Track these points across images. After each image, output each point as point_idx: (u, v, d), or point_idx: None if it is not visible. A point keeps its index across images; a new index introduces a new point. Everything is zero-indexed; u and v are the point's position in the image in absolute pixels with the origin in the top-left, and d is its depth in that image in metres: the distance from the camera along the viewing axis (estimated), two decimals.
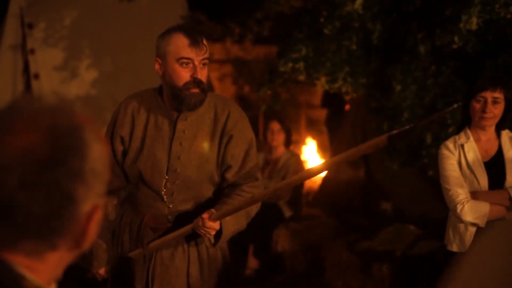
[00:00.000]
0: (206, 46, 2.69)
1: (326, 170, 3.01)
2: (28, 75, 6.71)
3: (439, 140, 4.53)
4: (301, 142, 8.51)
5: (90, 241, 1.09)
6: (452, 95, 4.83)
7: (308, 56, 5.31)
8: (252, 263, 5.68)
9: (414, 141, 5.23)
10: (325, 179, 6.99)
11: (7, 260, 1.02)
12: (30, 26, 6.74)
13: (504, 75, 3.41)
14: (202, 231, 2.64)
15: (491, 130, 3.29)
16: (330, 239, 5.64)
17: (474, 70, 4.54)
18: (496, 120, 3.24)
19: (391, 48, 5.21)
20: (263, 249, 5.69)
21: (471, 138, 3.27)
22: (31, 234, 1.02)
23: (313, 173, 2.69)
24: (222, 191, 2.83)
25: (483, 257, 0.68)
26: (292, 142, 6.27)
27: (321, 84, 5.46)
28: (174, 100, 2.71)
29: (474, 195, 3.19)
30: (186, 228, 2.71)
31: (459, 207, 3.15)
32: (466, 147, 3.25)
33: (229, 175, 2.78)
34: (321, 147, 8.12)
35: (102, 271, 2.88)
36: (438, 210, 4.59)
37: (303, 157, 7.83)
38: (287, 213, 5.90)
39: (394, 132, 2.29)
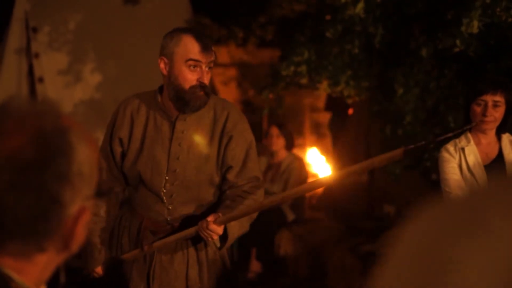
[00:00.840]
0: (214, 52, 2.70)
1: (337, 181, 2.96)
2: (32, 79, 6.72)
3: (442, 143, 4.52)
4: (304, 145, 8.51)
5: (78, 243, 1.09)
6: (454, 98, 4.82)
7: (310, 59, 5.32)
8: (255, 266, 5.68)
9: None
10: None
11: None
12: (35, 30, 6.76)
13: (505, 78, 3.40)
14: (205, 233, 2.63)
15: (492, 134, 3.28)
16: (333, 243, 5.63)
17: (476, 73, 4.53)
18: (497, 124, 3.23)
19: (393, 52, 5.21)
20: (266, 253, 5.69)
21: (472, 142, 3.26)
22: (18, 236, 1.02)
23: (323, 183, 2.69)
24: (223, 193, 2.82)
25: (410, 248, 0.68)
26: (294, 146, 6.27)
27: (324, 88, 5.47)
28: (178, 101, 2.71)
29: None
30: (190, 230, 2.71)
31: None
32: (466, 150, 3.25)
33: (230, 176, 2.78)
34: (325, 150, 8.11)
35: (98, 269, 2.87)
36: None
37: (307, 160, 7.83)
38: (290, 216, 5.90)
39: (411, 146, 2.28)
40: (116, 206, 2.92)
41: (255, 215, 2.84)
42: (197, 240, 2.79)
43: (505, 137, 3.29)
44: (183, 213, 2.79)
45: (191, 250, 2.82)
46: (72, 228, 1.06)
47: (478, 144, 3.27)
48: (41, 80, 6.72)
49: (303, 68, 5.33)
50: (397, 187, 6.07)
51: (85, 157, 1.05)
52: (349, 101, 5.81)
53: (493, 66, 4.46)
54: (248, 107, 8.27)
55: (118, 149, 2.83)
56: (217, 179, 2.80)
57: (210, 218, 2.61)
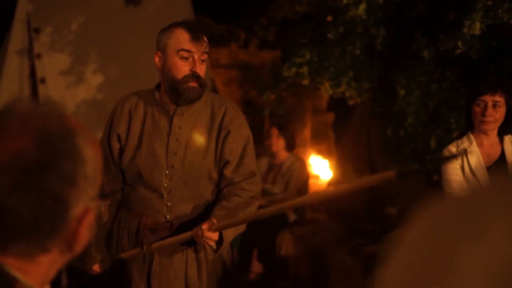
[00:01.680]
0: (206, 42, 2.73)
1: (331, 198, 2.95)
2: (34, 80, 6.72)
3: (444, 145, 4.52)
4: (306, 146, 8.51)
5: (82, 244, 1.10)
6: (456, 100, 4.83)
7: (312, 61, 5.33)
8: (256, 267, 5.68)
9: (419, 146, 5.23)
10: (329, 184, 6.99)
11: None
12: (37, 31, 6.77)
13: (505, 79, 3.41)
14: (200, 240, 2.65)
15: (494, 135, 3.29)
16: (335, 244, 5.63)
17: (478, 75, 4.54)
18: (498, 124, 3.24)
19: (395, 53, 5.21)
20: (267, 254, 5.69)
21: (474, 143, 3.26)
22: (22, 237, 1.03)
23: (316, 198, 2.68)
24: (220, 191, 2.83)
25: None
26: (296, 147, 6.27)
27: (325, 89, 5.47)
28: (173, 93, 2.74)
29: None
30: (185, 235, 2.71)
31: None
32: (469, 152, 3.25)
33: (227, 171, 2.79)
34: (326, 152, 8.12)
35: (96, 267, 2.87)
36: None
37: (308, 161, 7.83)
38: (292, 217, 5.90)
39: (404, 170, 2.27)
40: (114, 205, 2.91)
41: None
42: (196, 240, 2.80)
43: (507, 138, 3.29)
44: (182, 210, 2.79)
45: (190, 249, 2.82)
46: (76, 229, 1.07)
47: (480, 145, 3.27)
48: (43, 81, 6.73)
49: (305, 69, 5.34)
50: (398, 189, 6.08)
51: (89, 158, 1.06)
52: (351, 102, 5.82)
53: (495, 67, 4.46)
54: (250, 108, 8.27)
55: (116, 146, 2.84)
56: (215, 175, 2.81)
57: (205, 226, 2.61)
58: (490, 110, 3.17)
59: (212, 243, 2.68)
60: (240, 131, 2.83)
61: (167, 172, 2.76)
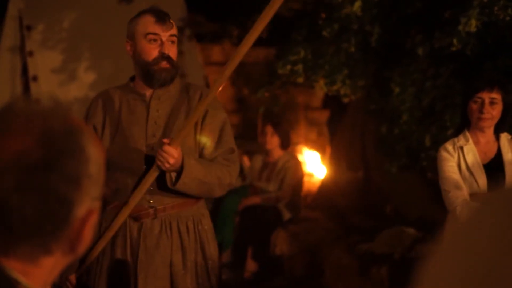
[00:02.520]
0: (172, 24, 2.79)
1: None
2: (26, 77, 6.69)
3: (438, 142, 4.52)
4: (300, 144, 8.49)
5: (85, 246, 1.08)
6: (450, 97, 4.83)
7: (306, 58, 5.31)
8: (251, 266, 5.67)
9: (413, 144, 5.23)
10: (324, 182, 6.99)
11: (1, 265, 1.02)
12: (29, 28, 6.74)
13: (501, 76, 3.41)
14: (160, 158, 2.61)
15: (490, 133, 3.28)
16: (329, 242, 5.62)
17: (473, 72, 4.54)
18: (494, 121, 3.23)
19: (390, 51, 5.21)
20: (262, 252, 5.68)
21: (470, 141, 3.26)
22: (25, 239, 1.01)
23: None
24: None
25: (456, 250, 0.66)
26: (290, 144, 6.25)
27: (320, 87, 5.46)
28: (146, 77, 2.79)
29: (474, 197, 3.18)
30: (151, 171, 2.67)
31: (458, 210, 3.14)
32: (465, 149, 3.24)
33: (207, 152, 2.81)
34: (321, 149, 8.11)
35: (72, 277, 2.83)
36: (437, 213, 4.58)
37: (303, 159, 7.82)
38: (286, 215, 5.89)
39: None
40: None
41: (225, 180, 2.81)
42: (181, 225, 2.79)
43: (504, 136, 3.28)
44: (164, 193, 2.76)
45: (175, 234, 2.79)
46: (80, 230, 1.05)
47: (476, 143, 3.27)
48: (35, 78, 6.70)
49: (300, 67, 5.33)
50: (393, 187, 6.08)
51: (93, 157, 1.04)
52: (345, 100, 5.81)
53: (490, 65, 4.46)
54: (243, 106, 8.25)
55: None
56: (195, 155, 2.80)
57: (166, 140, 2.63)
58: (487, 107, 3.17)
59: (172, 161, 2.62)
60: (217, 111, 2.87)
61: (146, 153, 2.76)
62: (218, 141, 2.83)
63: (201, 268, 2.84)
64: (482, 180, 3.20)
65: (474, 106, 3.20)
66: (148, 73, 2.77)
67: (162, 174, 2.72)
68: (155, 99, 2.82)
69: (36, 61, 6.72)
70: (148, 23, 2.74)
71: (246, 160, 6.53)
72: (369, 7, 4.88)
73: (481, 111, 3.17)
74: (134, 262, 2.77)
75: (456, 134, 3.33)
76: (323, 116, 8.23)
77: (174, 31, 2.79)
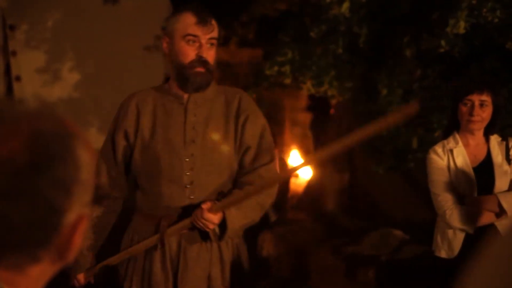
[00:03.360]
0: (214, 26, 2.65)
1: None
2: (9, 78, 6.61)
3: (425, 144, 4.52)
4: (284, 145, 8.47)
5: (74, 253, 1.03)
6: (438, 98, 4.82)
7: (294, 59, 5.29)
8: None
9: (400, 146, 5.22)
10: (309, 183, 6.96)
11: None
12: (12, 27, 6.65)
13: (491, 78, 3.40)
14: (199, 223, 2.51)
15: (480, 135, 3.26)
16: (315, 244, 5.61)
17: (460, 74, 4.53)
18: (484, 124, 3.21)
19: (377, 52, 5.20)
20: (248, 254, 5.64)
21: (460, 143, 3.24)
22: (12, 247, 0.96)
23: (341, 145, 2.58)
24: (237, 180, 2.70)
25: (493, 264, 0.63)
26: (276, 146, 6.22)
27: (307, 88, 5.44)
28: (180, 80, 2.65)
29: (463, 200, 3.16)
30: (185, 222, 2.57)
31: (448, 213, 3.12)
32: (455, 152, 3.22)
33: (248, 158, 2.68)
34: (305, 151, 8.09)
35: (81, 276, 2.74)
36: (424, 215, 4.57)
37: (288, 160, 7.79)
38: (272, 217, 5.86)
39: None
40: (113, 213, 2.78)
41: (266, 204, 2.73)
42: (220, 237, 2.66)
43: (493, 138, 3.26)
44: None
45: (215, 248, 2.68)
46: (69, 237, 1.00)
47: (466, 145, 3.25)
48: (18, 78, 6.62)
49: (287, 68, 5.30)
50: (379, 188, 6.07)
51: (84, 162, 0.99)
52: (333, 101, 5.80)
53: (476, 66, 4.46)
54: None
55: (122, 143, 2.71)
56: (235, 164, 2.69)
57: (205, 206, 2.50)
58: (477, 109, 3.14)
59: (212, 227, 2.53)
60: (257, 116, 2.74)
61: (187, 160, 2.63)
62: (258, 150, 2.70)
63: (238, 282, 2.76)
64: (471, 183, 3.17)
65: (464, 109, 3.17)
66: (182, 76, 2.64)
67: None
68: (192, 102, 2.68)
69: (19, 61, 6.64)
70: (189, 24, 2.60)
71: None
72: (357, 8, 4.86)
73: (471, 114, 3.15)
74: (173, 274, 2.66)
75: (445, 136, 3.31)
76: (308, 118, 8.21)
77: (215, 33, 2.64)
